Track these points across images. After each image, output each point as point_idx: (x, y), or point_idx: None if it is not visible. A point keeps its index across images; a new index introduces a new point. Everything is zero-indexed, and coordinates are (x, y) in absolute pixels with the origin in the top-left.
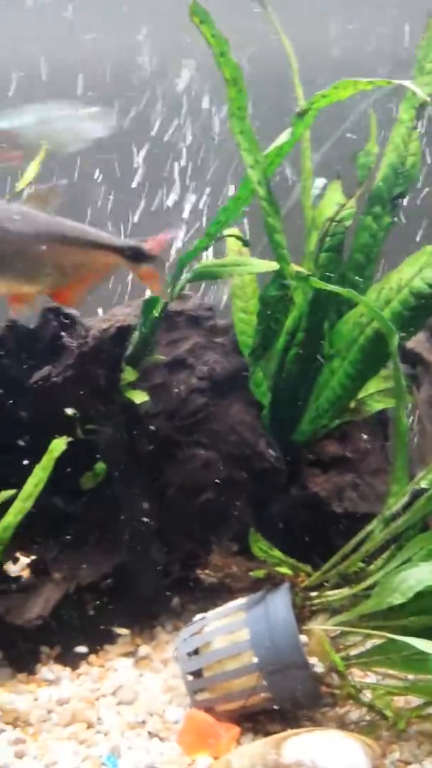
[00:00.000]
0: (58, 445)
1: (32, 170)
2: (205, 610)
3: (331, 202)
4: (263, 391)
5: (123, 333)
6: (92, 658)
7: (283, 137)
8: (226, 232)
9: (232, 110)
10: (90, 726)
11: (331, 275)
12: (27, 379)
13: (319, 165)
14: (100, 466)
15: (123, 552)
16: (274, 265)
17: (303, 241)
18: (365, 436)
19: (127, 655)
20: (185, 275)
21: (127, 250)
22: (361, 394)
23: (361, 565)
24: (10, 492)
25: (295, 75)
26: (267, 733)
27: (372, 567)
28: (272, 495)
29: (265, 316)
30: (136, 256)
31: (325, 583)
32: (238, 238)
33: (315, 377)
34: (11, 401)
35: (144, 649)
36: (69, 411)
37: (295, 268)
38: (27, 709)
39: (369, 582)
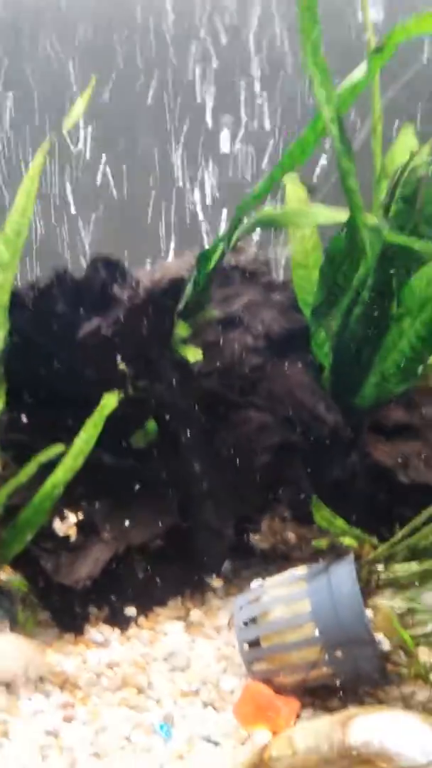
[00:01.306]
0: (110, 400)
1: (79, 106)
2: (257, 576)
3: (404, 147)
4: (325, 351)
5: (176, 285)
6: (142, 620)
7: (357, 74)
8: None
9: (305, 42)
10: (141, 692)
11: (403, 228)
12: (75, 332)
13: (387, 108)
14: (152, 425)
15: (174, 514)
16: (341, 216)
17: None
18: None
19: (177, 619)
20: (242, 224)
21: None
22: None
23: None
24: (60, 448)
25: (365, 6)
26: (327, 709)
27: None
28: (331, 462)
29: (331, 271)
30: None
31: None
32: (305, 185)
33: (381, 339)
34: (59, 355)
35: (195, 614)
36: (121, 366)
37: (367, 220)
38: (76, 672)
39: None
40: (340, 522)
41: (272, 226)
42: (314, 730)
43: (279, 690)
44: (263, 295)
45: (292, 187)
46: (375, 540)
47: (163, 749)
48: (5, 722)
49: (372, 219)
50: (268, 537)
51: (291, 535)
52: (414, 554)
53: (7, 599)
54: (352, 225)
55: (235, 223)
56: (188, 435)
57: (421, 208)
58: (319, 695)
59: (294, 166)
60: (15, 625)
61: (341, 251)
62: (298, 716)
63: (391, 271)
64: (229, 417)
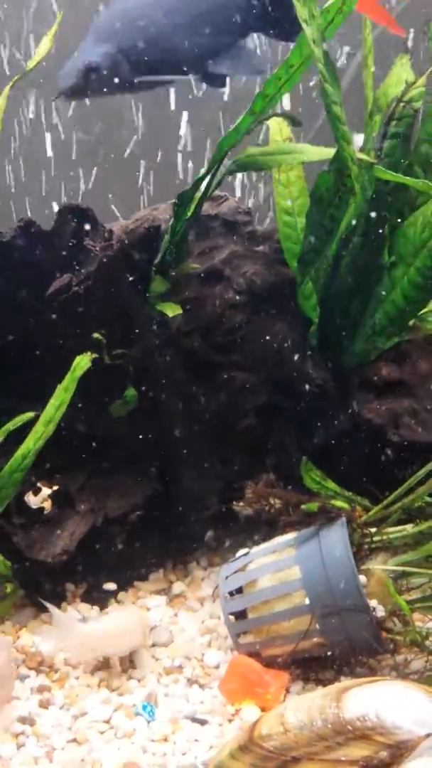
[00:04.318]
0: (82, 362)
1: (45, 46)
2: (242, 544)
3: (398, 79)
4: (312, 304)
5: (152, 234)
6: (122, 596)
7: None
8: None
9: None
10: (122, 671)
11: (396, 168)
12: (43, 289)
13: (379, 39)
14: (131, 392)
15: (154, 482)
16: (331, 152)
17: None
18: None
19: (159, 592)
20: (224, 166)
21: None
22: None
23: (428, 499)
24: (30, 415)
25: None
26: (318, 681)
27: None
28: (319, 422)
29: (317, 213)
30: None
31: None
32: (289, 118)
33: (372, 289)
34: (27, 315)
35: (178, 587)
36: (96, 335)
37: (356, 154)
38: (52, 653)
39: None
40: (331, 483)
41: (255, 167)
42: (306, 705)
43: (267, 663)
44: (245, 246)
45: (276, 124)
46: (367, 502)
47: (147, 731)
48: None
49: (362, 156)
50: (252, 503)
51: (277, 501)
52: (408, 516)
53: None
54: (338, 158)
55: (215, 162)
56: (167, 398)
57: (417, 145)
58: (308, 667)
59: (279, 94)
60: None
61: (328, 190)
62: (287, 691)
63: (383, 214)
64: (210, 378)
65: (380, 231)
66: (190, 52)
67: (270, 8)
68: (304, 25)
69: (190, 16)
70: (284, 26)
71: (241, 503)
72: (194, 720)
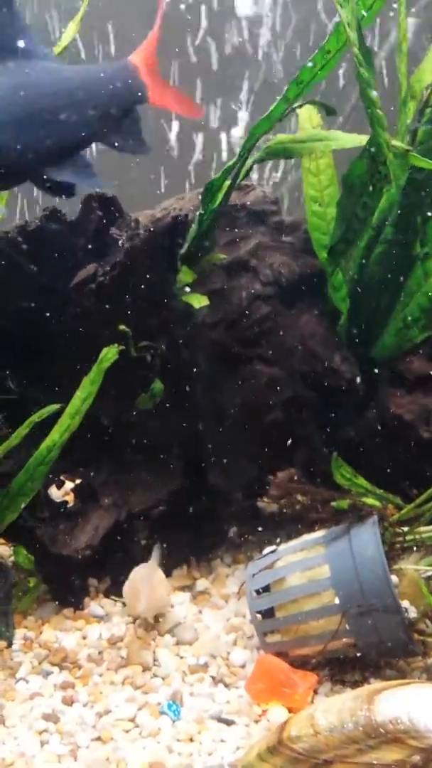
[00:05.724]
0: (109, 354)
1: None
2: (267, 541)
3: None
4: (342, 296)
5: (179, 224)
6: None
7: None
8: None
9: None
10: (146, 669)
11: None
12: (69, 279)
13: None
14: (158, 385)
15: (179, 477)
16: (364, 140)
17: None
18: None
19: (183, 589)
20: (254, 154)
21: None
22: None
23: None
24: (55, 407)
25: None
26: (346, 683)
27: None
28: (347, 417)
29: (349, 202)
30: None
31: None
32: (322, 106)
33: (404, 281)
34: (51, 305)
35: (202, 583)
36: (122, 327)
37: (392, 140)
38: (75, 649)
39: None
40: (362, 481)
41: (285, 155)
42: (337, 707)
43: (294, 663)
44: (273, 237)
45: (306, 111)
46: (398, 500)
47: (172, 730)
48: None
49: (396, 143)
50: (277, 499)
51: (302, 497)
52: None
53: (2, 574)
54: (373, 144)
55: (245, 150)
56: (193, 391)
57: None
58: (337, 668)
59: (313, 81)
60: (9, 602)
61: (361, 177)
62: (315, 692)
63: (416, 205)
64: (236, 371)
65: (413, 220)
66: (23, 159)
67: (116, 122)
68: (338, 8)
69: (23, 123)
70: (130, 141)
71: (266, 499)
72: (220, 720)
